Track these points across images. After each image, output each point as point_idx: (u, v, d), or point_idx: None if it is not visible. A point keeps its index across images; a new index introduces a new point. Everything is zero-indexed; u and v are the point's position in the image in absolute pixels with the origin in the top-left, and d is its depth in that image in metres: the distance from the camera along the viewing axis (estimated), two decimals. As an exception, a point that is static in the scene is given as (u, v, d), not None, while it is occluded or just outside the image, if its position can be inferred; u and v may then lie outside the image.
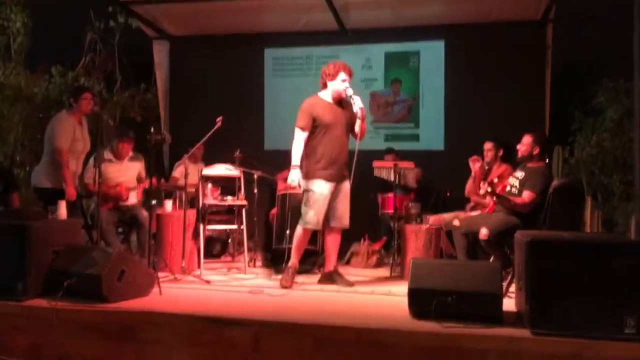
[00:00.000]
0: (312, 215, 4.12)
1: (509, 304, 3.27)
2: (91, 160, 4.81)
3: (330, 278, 4.29)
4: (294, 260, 4.27)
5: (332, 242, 4.32)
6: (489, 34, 6.45)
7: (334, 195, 4.18)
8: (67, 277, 3.42)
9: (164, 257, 4.53)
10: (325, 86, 4.26)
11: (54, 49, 7.57)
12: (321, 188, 4.11)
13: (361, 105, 4.08)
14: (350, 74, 4.19)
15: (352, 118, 4.22)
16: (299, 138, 4.18)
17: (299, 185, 4.18)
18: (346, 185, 4.25)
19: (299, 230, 4.23)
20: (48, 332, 3.26)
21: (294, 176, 4.14)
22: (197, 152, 5.81)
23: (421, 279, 3.17)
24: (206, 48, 7.16)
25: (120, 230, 5.16)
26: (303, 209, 4.21)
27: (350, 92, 4.13)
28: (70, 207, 4.27)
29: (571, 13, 6.63)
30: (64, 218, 4.03)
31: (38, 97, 7.19)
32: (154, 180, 4.64)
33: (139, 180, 5.16)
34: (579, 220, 3.73)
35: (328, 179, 4.13)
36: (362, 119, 4.12)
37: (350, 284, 4.23)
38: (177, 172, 6.04)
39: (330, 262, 4.34)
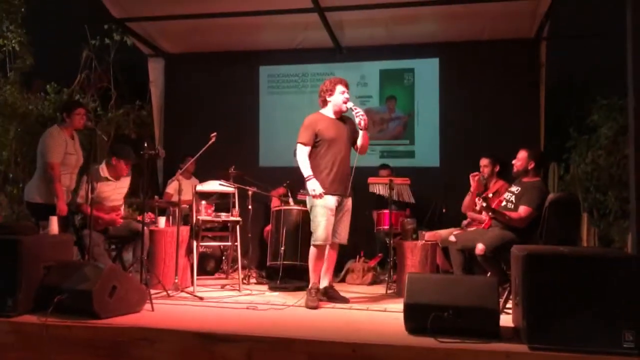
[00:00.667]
0: (321, 231, 4.07)
1: (505, 319, 3.24)
2: (83, 178, 4.75)
3: (325, 294, 4.24)
4: (314, 280, 4.17)
5: (329, 258, 4.27)
6: (483, 52, 6.51)
7: (337, 211, 4.17)
8: (58, 293, 3.37)
9: (156, 274, 4.48)
10: (325, 103, 4.27)
11: (49, 66, 7.59)
12: (327, 202, 4.07)
13: (363, 114, 4.08)
14: (347, 87, 4.24)
15: (354, 133, 4.25)
16: (303, 152, 4.17)
17: (322, 194, 4.07)
18: (349, 202, 4.25)
19: (312, 249, 4.16)
20: (38, 349, 3.20)
21: (314, 185, 4.06)
22: (190, 167, 5.79)
23: (417, 294, 3.13)
24: (201, 65, 7.19)
25: (112, 247, 5.09)
26: (312, 226, 4.15)
27: (350, 104, 4.16)
28: (63, 222, 4.23)
29: (565, 31, 6.69)
30: (56, 233, 3.98)
31: (33, 114, 7.19)
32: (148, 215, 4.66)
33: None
34: (575, 234, 3.70)
35: (333, 193, 4.11)
36: (365, 129, 4.14)
37: (345, 300, 4.19)
38: (171, 188, 6.01)
39: (326, 278, 4.29)
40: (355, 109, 4.11)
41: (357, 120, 4.11)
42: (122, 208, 5.05)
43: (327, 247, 4.16)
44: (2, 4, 6.95)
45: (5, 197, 7.04)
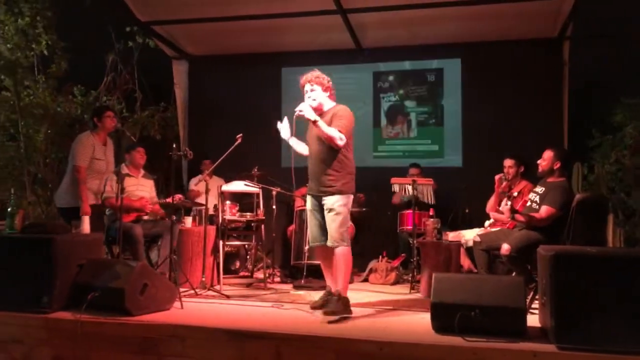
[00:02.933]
0: (308, 233, 4.05)
1: (531, 320, 3.25)
2: (111, 176, 4.86)
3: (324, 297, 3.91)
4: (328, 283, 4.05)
5: (332, 261, 3.89)
6: (505, 52, 6.49)
7: (317, 212, 3.92)
8: (91, 290, 3.46)
9: (184, 272, 4.56)
10: None
11: (77, 69, 7.75)
12: (307, 203, 4.02)
13: (299, 111, 3.80)
14: (302, 85, 3.98)
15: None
16: None
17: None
18: (329, 201, 3.80)
19: None
20: (72, 345, 3.30)
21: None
22: (210, 167, 5.89)
23: (444, 293, 3.15)
24: (224, 67, 7.28)
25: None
26: None
27: (296, 109, 3.85)
28: (95, 220, 4.35)
29: (588, 30, 6.62)
30: (87, 232, 4.09)
31: (62, 116, 7.36)
32: (177, 196, 4.72)
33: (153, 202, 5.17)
34: (603, 235, 3.69)
35: (309, 193, 3.98)
36: (312, 122, 3.76)
37: (331, 313, 3.62)
38: (193, 184, 6.37)
39: (333, 282, 3.89)
40: (298, 111, 3.82)
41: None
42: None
43: (324, 248, 3.93)
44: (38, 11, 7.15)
45: (35, 197, 7.20)
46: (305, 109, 3.79)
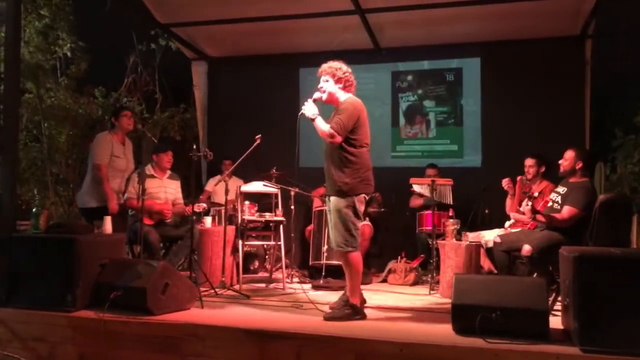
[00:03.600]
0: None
1: (553, 321, 3.21)
2: (133, 176, 4.94)
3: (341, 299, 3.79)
4: None
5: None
6: (525, 50, 6.41)
7: (329, 212, 3.79)
8: (113, 290, 3.51)
9: (203, 272, 4.60)
10: None
11: (98, 71, 7.87)
12: (327, 204, 3.86)
13: (303, 108, 3.73)
14: (318, 77, 3.85)
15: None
16: None
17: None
18: (332, 201, 3.67)
19: None
20: (95, 343, 3.35)
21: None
22: (229, 167, 5.95)
23: (465, 294, 3.13)
24: (243, 68, 7.32)
25: (161, 246, 5.25)
26: None
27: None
28: (118, 220, 4.40)
29: (611, 28, 6.52)
30: (110, 232, 4.14)
31: (83, 117, 7.47)
32: (201, 206, 4.78)
33: (177, 203, 5.23)
34: (627, 236, 3.62)
35: (326, 194, 3.85)
36: (312, 119, 3.70)
37: (327, 315, 3.59)
38: (210, 186, 6.51)
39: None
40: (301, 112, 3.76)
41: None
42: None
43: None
44: (57, 13, 7.25)
45: (58, 198, 7.32)
46: (305, 107, 3.69)
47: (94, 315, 3.44)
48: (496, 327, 2.97)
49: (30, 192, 7.40)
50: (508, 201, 4.94)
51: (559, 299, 3.44)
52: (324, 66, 3.82)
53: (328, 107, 3.90)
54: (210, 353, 3.22)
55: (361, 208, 3.67)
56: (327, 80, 3.78)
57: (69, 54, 7.45)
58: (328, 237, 5.01)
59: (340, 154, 3.64)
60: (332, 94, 3.77)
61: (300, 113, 3.76)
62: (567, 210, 4.03)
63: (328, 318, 3.53)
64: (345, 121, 3.60)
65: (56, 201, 7.25)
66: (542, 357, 2.78)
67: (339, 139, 3.59)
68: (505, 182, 4.80)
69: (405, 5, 5.79)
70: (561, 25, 6.12)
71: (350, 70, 3.83)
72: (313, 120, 3.67)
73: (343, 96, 3.78)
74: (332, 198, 3.67)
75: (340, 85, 3.77)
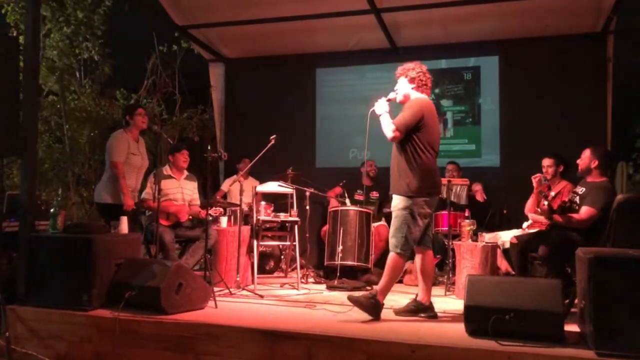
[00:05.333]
0: None
1: (570, 324, 3.15)
2: (150, 177, 5.00)
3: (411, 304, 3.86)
4: None
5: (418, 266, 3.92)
6: (545, 48, 6.31)
7: None
8: (129, 289, 3.56)
9: (219, 272, 4.63)
10: None
11: (120, 73, 8.01)
12: None
13: (373, 107, 3.77)
14: (398, 77, 3.91)
15: None
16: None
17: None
18: (393, 202, 3.77)
19: None
20: (110, 342, 3.40)
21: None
22: (244, 167, 5.98)
23: (478, 296, 3.10)
24: (259, 69, 7.35)
25: (177, 246, 5.31)
26: None
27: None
28: (131, 219, 4.45)
29: (634, 24, 6.36)
30: (126, 232, 4.20)
31: (105, 119, 7.60)
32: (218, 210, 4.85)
33: (193, 204, 5.28)
34: (646, 237, 3.54)
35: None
36: (379, 117, 3.73)
37: (350, 297, 3.71)
38: (225, 185, 6.54)
39: (421, 290, 3.84)
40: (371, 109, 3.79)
41: None
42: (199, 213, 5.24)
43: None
44: (83, 26, 7.42)
45: (78, 198, 7.46)
46: (377, 104, 3.74)
47: (109, 315, 3.49)
48: (509, 329, 2.93)
49: (53, 192, 7.56)
50: (529, 201, 4.87)
51: (576, 301, 3.37)
52: (398, 68, 3.89)
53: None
54: (224, 352, 3.25)
55: (420, 211, 3.65)
56: (399, 82, 3.86)
57: (96, 57, 7.59)
58: (343, 237, 5.04)
59: (405, 154, 3.67)
60: (405, 94, 3.82)
61: (370, 110, 3.79)
62: (585, 211, 3.95)
63: (353, 299, 3.61)
64: (408, 118, 3.62)
65: (77, 201, 7.38)
66: (557, 360, 2.73)
67: (398, 134, 3.60)
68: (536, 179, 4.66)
69: (421, 4, 5.74)
70: (581, 22, 6.00)
71: (425, 70, 3.87)
72: (380, 115, 3.71)
73: (416, 95, 3.83)
74: (394, 196, 3.73)
75: (414, 85, 3.82)
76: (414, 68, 3.83)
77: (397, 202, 3.68)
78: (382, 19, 6.07)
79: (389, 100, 3.78)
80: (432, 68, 6.87)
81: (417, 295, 3.81)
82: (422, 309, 3.72)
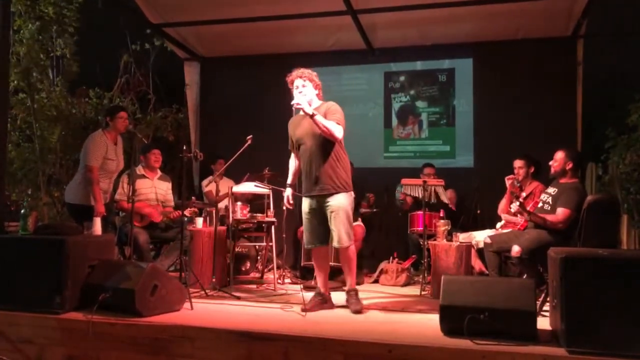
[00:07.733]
0: (307, 235, 4.03)
1: (542, 322, 3.22)
2: (123, 177, 4.93)
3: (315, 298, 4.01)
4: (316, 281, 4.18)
5: (342, 262, 4.03)
6: (518, 51, 6.44)
7: (316, 213, 3.92)
8: (102, 291, 3.49)
9: (194, 273, 4.59)
10: None
11: (91, 72, 7.84)
12: (303, 205, 4.00)
13: (297, 104, 3.77)
14: (293, 80, 3.94)
15: None
16: (291, 159, 4.25)
17: (289, 202, 4.20)
18: (334, 200, 3.81)
19: None
20: (84, 345, 3.33)
21: (286, 193, 4.21)
22: (219, 168, 5.93)
23: (453, 295, 3.13)
24: (236, 68, 7.31)
25: (151, 247, 5.25)
26: None
27: (294, 101, 3.83)
28: (103, 220, 4.38)
29: (603, 29, 6.53)
30: (99, 234, 4.13)
31: (76, 118, 7.43)
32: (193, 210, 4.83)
33: (166, 204, 5.23)
34: (615, 236, 3.64)
35: (305, 195, 3.97)
36: (310, 116, 3.70)
37: (357, 311, 3.81)
38: (211, 186, 6.27)
39: (346, 281, 4.03)
40: (296, 103, 3.79)
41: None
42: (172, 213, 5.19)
43: (323, 250, 4.05)
44: (54, 23, 7.26)
45: (50, 198, 7.29)
46: (302, 102, 3.76)
47: (82, 317, 3.42)
48: (484, 328, 2.96)
49: (23, 192, 7.37)
50: (502, 201, 4.95)
51: (549, 299, 3.44)
52: (304, 71, 3.96)
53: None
54: (199, 354, 3.21)
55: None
56: (305, 86, 3.91)
57: (68, 55, 7.43)
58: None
59: (335, 153, 3.84)
60: (310, 99, 3.91)
61: (294, 106, 3.82)
62: (561, 212, 4.03)
63: (358, 311, 3.76)
64: (342, 119, 3.83)
65: (49, 202, 7.21)
66: (529, 359, 2.77)
67: (343, 134, 3.79)
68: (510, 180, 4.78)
69: (397, 6, 5.80)
70: (553, 26, 6.14)
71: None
72: (313, 115, 3.70)
73: (316, 102, 3.94)
74: (335, 196, 3.81)
75: (317, 92, 3.99)
76: (317, 75, 3.99)
77: (343, 198, 3.83)
78: (359, 20, 6.10)
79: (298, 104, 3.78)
80: (408, 69, 7.02)
81: (320, 289, 4.03)
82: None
